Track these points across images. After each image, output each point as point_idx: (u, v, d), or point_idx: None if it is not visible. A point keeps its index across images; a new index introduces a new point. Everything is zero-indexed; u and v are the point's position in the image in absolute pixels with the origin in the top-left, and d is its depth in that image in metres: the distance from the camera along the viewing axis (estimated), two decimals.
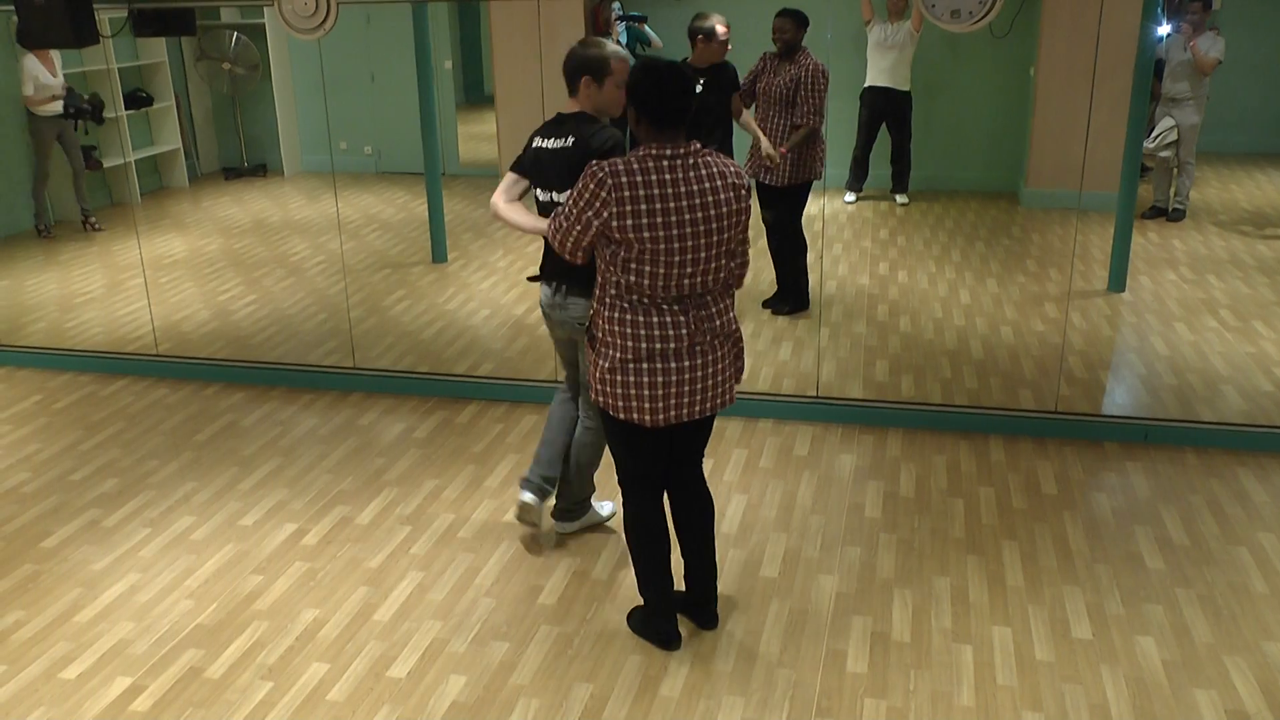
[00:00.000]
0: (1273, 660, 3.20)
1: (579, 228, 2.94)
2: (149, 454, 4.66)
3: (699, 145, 2.97)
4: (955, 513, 4.04)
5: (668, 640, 3.28)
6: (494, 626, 3.42)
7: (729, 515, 4.04)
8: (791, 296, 5.97)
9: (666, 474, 3.26)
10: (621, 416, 3.06)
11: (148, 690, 3.15)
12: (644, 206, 2.87)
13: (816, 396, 4.91)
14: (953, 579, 3.62)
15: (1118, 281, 6.12)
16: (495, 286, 6.58)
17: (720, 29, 5.47)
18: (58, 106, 7.42)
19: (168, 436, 4.83)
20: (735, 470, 4.37)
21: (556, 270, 3.53)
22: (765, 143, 5.67)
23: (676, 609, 3.34)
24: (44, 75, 7.34)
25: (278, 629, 3.43)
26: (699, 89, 5.28)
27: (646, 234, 2.87)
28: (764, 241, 5.93)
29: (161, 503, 4.24)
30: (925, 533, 3.91)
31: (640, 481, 3.22)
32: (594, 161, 2.94)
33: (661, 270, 2.91)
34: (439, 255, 7.07)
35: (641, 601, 3.37)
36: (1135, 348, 5.51)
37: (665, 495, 3.29)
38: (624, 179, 2.87)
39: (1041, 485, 4.23)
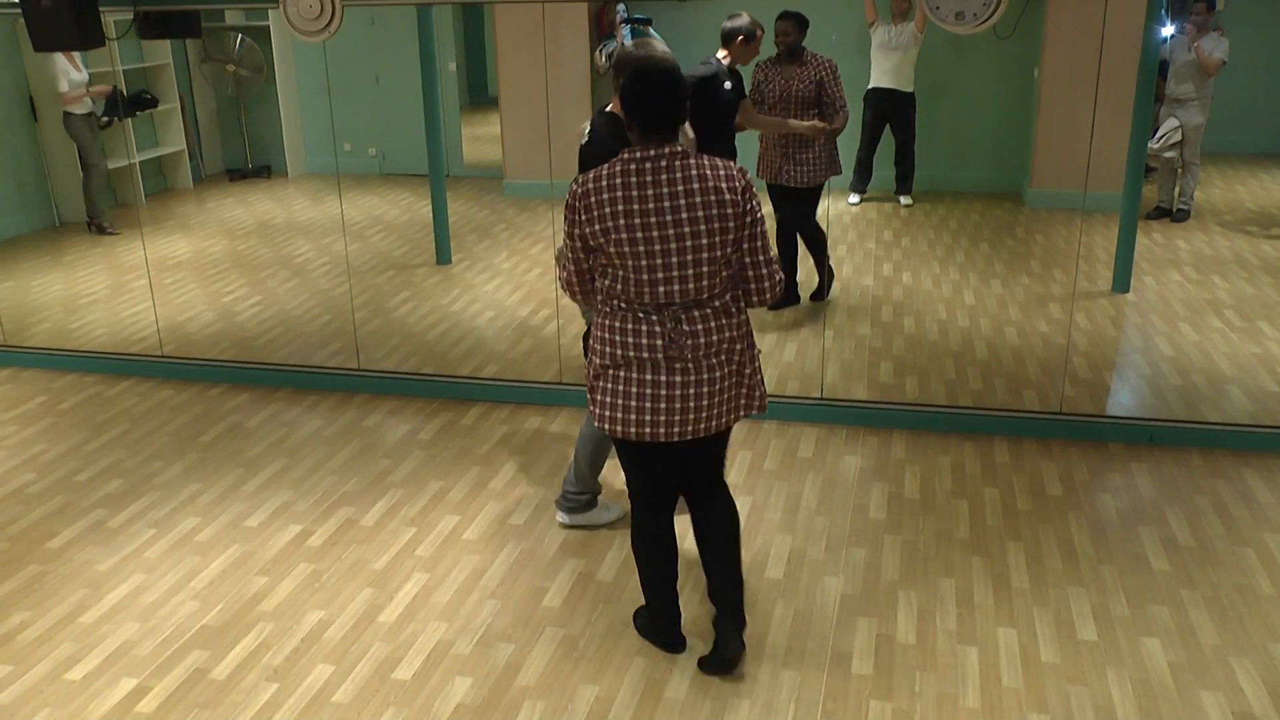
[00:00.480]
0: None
1: (569, 256, 2.94)
2: (154, 455, 4.67)
3: (681, 148, 2.88)
4: (960, 514, 4.04)
5: (672, 645, 3.28)
6: (499, 628, 3.42)
7: None
8: (793, 290, 6.03)
9: (685, 487, 3.19)
10: (604, 427, 3.02)
11: (153, 691, 3.16)
12: (608, 210, 2.81)
13: (821, 398, 4.90)
14: (958, 580, 3.62)
15: (1122, 282, 6.12)
16: (500, 288, 6.58)
17: (759, 31, 5.45)
18: (88, 103, 7.49)
19: (172, 437, 4.84)
20: (740, 472, 4.37)
21: None
22: (807, 124, 5.61)
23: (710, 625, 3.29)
24: (73, 72, 7.40)
25: (283, 630, 3.43)
26: (729, 88, 5.26)
27: (611, 236, 2.82)
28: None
29: (166, 504, 4.24)
30: (930, 534, 3.91)
31: (644, 495, 3.17)
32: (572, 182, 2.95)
33: (632, 276, 2.84)
34: (443, 257, 7.07)
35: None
36: (1140, 348, 5.50)
37: (688, 508, 3.24)
38: (590, 186, 2.84)
39: (1046, 486, 4.23)
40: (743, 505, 4.12)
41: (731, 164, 2.92)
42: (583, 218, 2.86)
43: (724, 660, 3.15)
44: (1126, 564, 3.70)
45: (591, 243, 2.87)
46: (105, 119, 7.65)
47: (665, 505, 3.18)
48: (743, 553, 3.79)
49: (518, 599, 3.57)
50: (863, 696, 3.08)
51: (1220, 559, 3.72)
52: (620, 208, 2.82)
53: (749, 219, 2.90)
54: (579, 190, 2.87)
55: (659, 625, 3.29)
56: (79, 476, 4.50)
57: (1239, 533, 3.88)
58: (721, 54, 5.28)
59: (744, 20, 5.31)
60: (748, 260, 2.94)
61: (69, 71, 7.37)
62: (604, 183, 2.85)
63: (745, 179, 2.90)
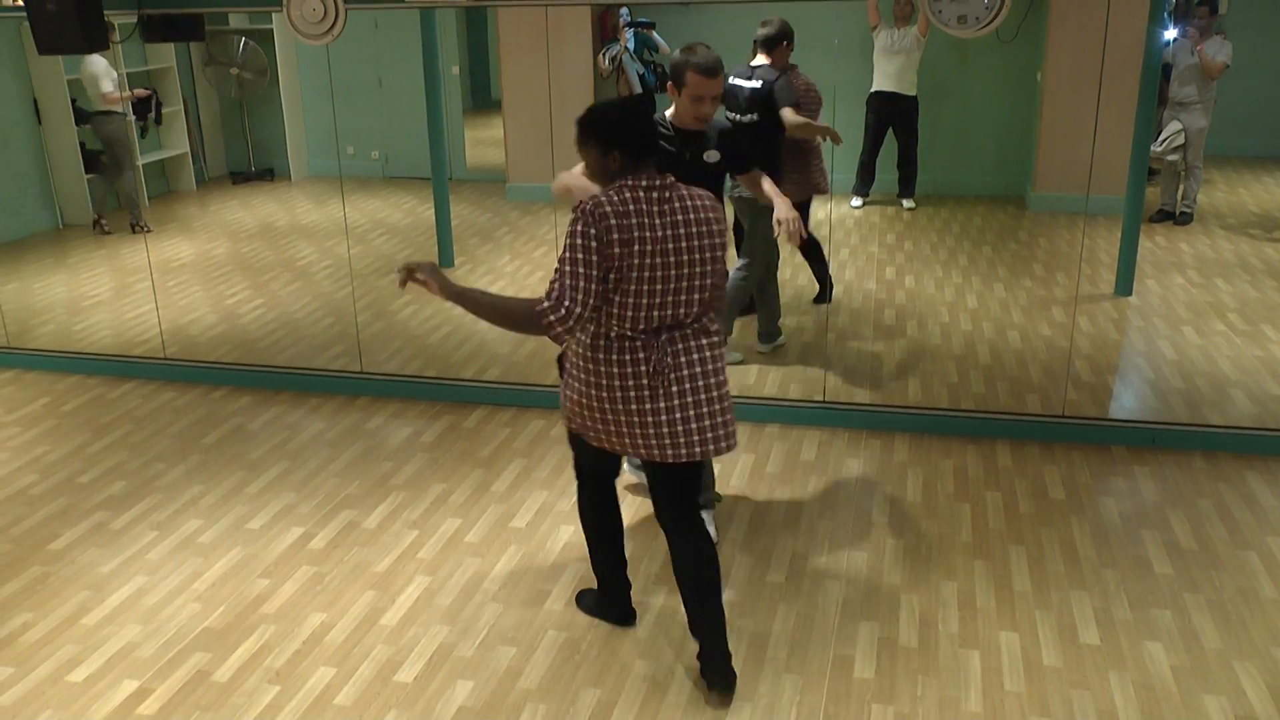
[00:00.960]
0: None
1: (582, 272, 2.79)
2: (156, 457, 4.67)
3: (672, 178, 2.93)
4: (962, 518, 4.04)
5: (624, 617, 3.40)
6: (501, 631, 3.42)
7: (736, 520, 4.04)
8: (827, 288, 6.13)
9: (660, 510, 3.16)
10: (572, 429, 3.09)
11: (155, 693, 3.16)
12: (626, 235, 2.81)
13: (823, 401, 4.90)
14: (960, 584, 3.62)
15: (1125, 285, 6.11)
16: (502, 291, 6.58)
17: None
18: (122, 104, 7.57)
19: (175, 439, 4.85)
20: (742, 476, 4.37)
21: None
22: (819, 126, 5.54)
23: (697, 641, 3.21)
24: (113, 72, 7.45)
25: (285, 633, 3.43)
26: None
27: (623, 261, 2.82)
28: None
29: (169, 505, 4.25)
30: (932, 538, 3.91)
31: (590, 473, 3.28)
32: (574, 207, 2.88)
33: (631, 300, 2.85)
34: (446, 260, 7.08)
35: (593, 585, 3.50)
36: (1143, 352, 5.50)
37: (663, 533, 3.19)
38: (608, 209, 2.82)
39: (1049, 490, 4.22)
40: (745, 508, 4.12)
41: (709, 193, 3.02)
42: (605, 239, 2.80)
43: (716, 693, 3.10)
44: (1129, 567, 3.69)
45: (608, 264, 2.82)
46: (140, 121, 7.74)
47: (610, 478, 3.30)
48: (744, 556, 3.80)
49: (520, 602, 3.57)
50: (864, 700, 3.08)
51: (1223, 562, 3.71)
52: (635, 234, 2.82)
53: (724, 248, 3.04)
54: (597, 211, 2.81)
55: (611, 596, 3.39)
56: (81, 478, 4.50)
57: (1242, 536, 3.87)
58: (765, 60, 5.17)
59: (782, 22, 5.21)
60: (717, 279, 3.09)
61: (111, 72, 7.42)
62: (619, 208, 2.82)
63: (719, 208, 3.03)
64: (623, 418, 2.94)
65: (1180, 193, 7.16)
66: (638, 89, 7.76)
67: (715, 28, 5.44)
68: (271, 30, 8.95)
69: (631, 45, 7.85)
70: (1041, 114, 7.57)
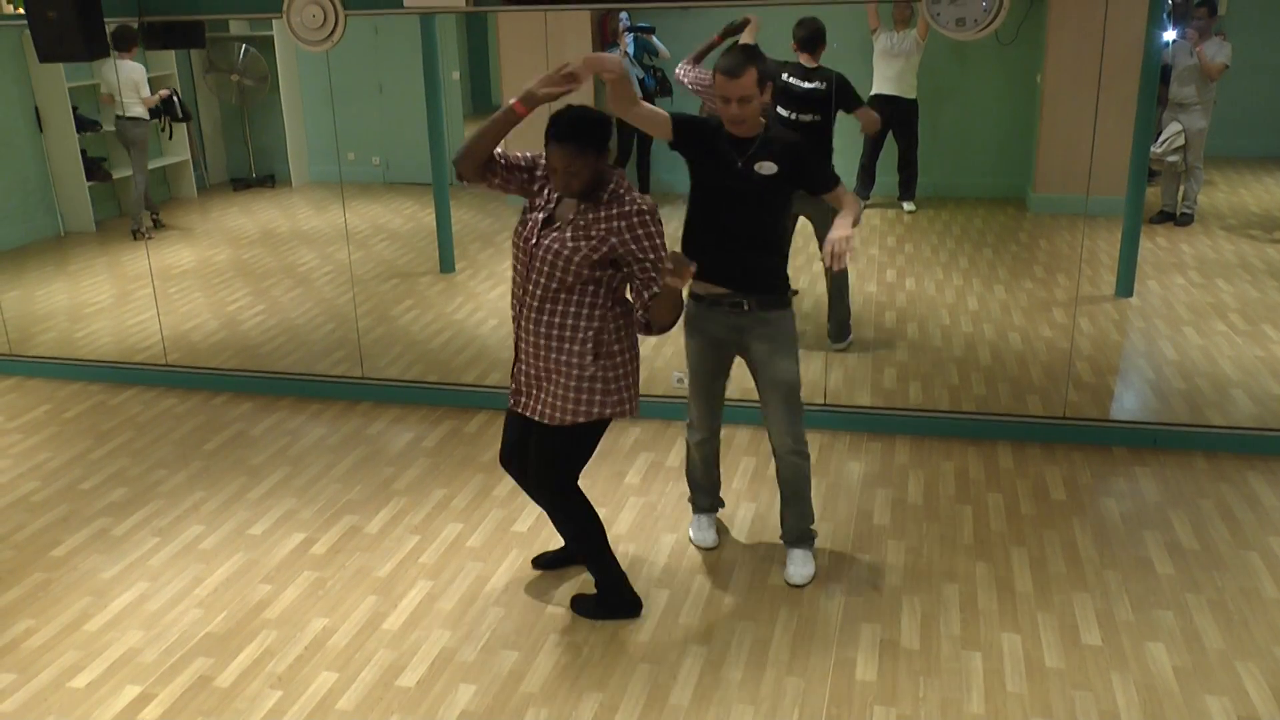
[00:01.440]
0: None
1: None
2: (158, 463, 4.68)
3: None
4: (964, 519, 4.04)
5: (633, 608, 3.47)
6: (503, 635, 3.42)
7: (737, 523, 4.04)
8: None
9: (579, 478, 3.47)
10: (629, 411, 3.29)
11: (157, 699, 3.16)
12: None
13: (824, 404, 4.90)
14: (961, 586, 3.61)
15: (1126, 286, 6.11)
16: (503, 296, 6.58)
17: None
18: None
19: (177, 446, 4.85)
20: (744, 478, 4.37)
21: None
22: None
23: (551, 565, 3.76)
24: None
25: (287, 638, 3.43)
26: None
27: None
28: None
29: (170, 511, 4.25)
30: (934, 540, 3.90)
31: (576, 479, 3.40)
32: (638, 208, 3.12)
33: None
34: (447, 265, 7.09)
35: (588, 590, 3.56)
36: (1144, 352, 5.49)
37: (581, 498, 3.46)
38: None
39: (1050, 491, 4.22)
40: (746, 511, 4.12)
41: None
42: None
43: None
44: (1131, 568, 3.69)
45: None
46: (160, 120, 7.81)
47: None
48: (746, 559, 3.80)
49: (521, 606, 3.57)
50: (867, 702, 3.08)
51: (1225, 562, 3.71)
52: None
53: None
54: (657, 208, 3.19)
55: (618, 592, 3.46)
56: (83, 485, 4.51)
57: (1243, 536, 3.87)
58: (811, 61, 5.16)
59: (815, 19, 5.19)
60: None
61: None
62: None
63: None
64: (635, 376, 3.33)
65: (1180, 194, 7.15)
66: (638, 94, 7.76)
67: (713, 31, 5.43)
68: (272, 37, 8.95)
69: (631, 50, 7.85)
70: (1041, 116, 7.57)
